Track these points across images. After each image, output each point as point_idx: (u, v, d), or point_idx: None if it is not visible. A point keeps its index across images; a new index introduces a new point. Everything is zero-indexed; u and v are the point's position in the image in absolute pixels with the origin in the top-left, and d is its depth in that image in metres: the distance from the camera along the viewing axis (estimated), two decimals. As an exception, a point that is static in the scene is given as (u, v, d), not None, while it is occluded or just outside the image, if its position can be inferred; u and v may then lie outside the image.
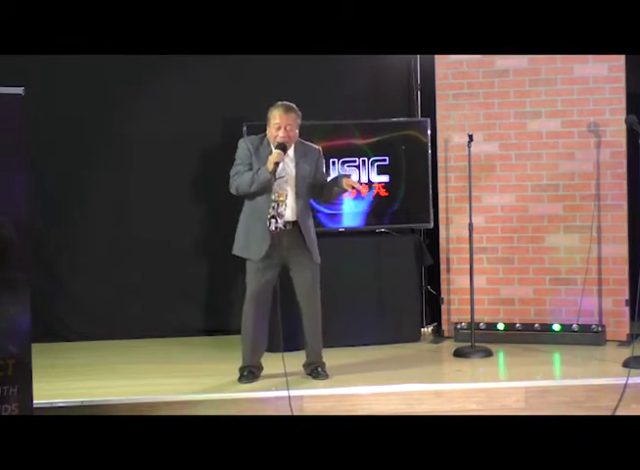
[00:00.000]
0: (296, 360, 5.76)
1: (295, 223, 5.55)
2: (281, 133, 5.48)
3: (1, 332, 4.60)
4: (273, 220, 5.40)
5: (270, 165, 5.38)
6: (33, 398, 4.73)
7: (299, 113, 5.58)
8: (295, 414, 5.16)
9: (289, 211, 5.49)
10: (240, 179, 5.53)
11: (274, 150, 5.45)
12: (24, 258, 4.71)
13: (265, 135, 5.62)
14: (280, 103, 5.57)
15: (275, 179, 5.41)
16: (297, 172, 5.57)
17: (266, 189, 5.47)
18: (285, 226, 5.45)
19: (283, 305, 5.55)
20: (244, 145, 5.63)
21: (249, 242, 5.60)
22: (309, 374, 5.76)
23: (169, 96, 7.17)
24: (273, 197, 5.43)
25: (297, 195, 5.57)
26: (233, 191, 5.59)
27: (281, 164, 5.43)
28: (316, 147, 5.74)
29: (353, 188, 5.58)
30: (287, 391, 5.23)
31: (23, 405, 4.65)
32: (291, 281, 5.69)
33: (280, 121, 5.49)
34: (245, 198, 5.63)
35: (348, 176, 5.73)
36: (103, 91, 7.12)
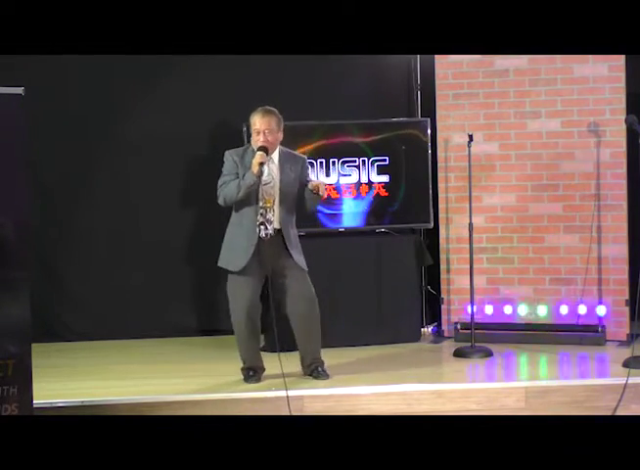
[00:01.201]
0: (295, 360, 5.76)
1: (278, 231, 5.56)
2: (261, 138, 5.52)
3: (1, 332, 4.60)
4: (262, 227, 5.48)
5: (255, 168, 5.39)
6: (33, 398, 4.73)
7: (280, 116, 5.60)
8: (293, 414, 5.15)
9: (275, 218, 5.53)
10: (226, 188, 5.55)
11: (256, 152, 5.46)
12: (24, 258, 4.71)
13: (249, 145, 5.66)
14: (260, 108, 5.61)
15: (261, 183, 5.43)
16: (281, 179, 5.58)
17: (253, 197, 5.48)
18: (274, 232, 5.50)
19: (276, 305, 5.55)
20: (229, 157, 5.64)
21: (231, 253, 5.61)
22: (310, 374, 5.74)
23: (169, 96, 7.17)
24: (260, 203, 5.48)
25: (282, 201, 5.57)
26: (221, 202, 5.60)
27: (266, 170, 5.46)
28: (301, 156, 5.78)
29: (320, 188, 5.51)
30: (286, 391, 5.22)
31: (23, 405, 4.65)
32: (282, 287, 5.64)
33: (259, 126, 5.54)
34: (232, 209, 5.64)
35: (317, 181, 5.67)
36: (103, 91, 7.12)
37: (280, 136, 5.62)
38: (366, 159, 6.87)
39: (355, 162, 6.86)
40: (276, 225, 5.55)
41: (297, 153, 5.80)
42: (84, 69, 6.95)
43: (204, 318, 7.37)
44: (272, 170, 5.56)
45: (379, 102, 7.31)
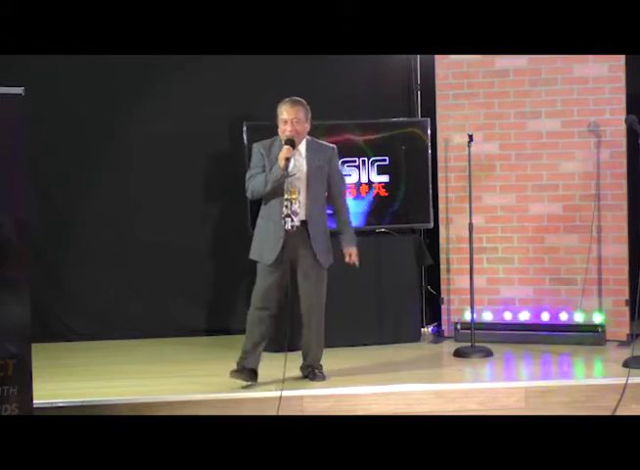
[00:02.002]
0: (296, 361, 5.76)
1: (304, 223, 5.51)
2: (288, 127, 5.47)
3: (1, 332, 4.61)
4: (288, 219, 5.40)
5: (281, 162, 5.36)
6: (33, 398, 4.73)
7: (308, 107, 5.56)
8: (280, 414, 5.13)
9: (301, 210, 5.48)
10: (254, 182, 5.51)
11: (283, 146, 5.42)
12: (24, 258, 4.71)
13: (277, 137, 5.60)
14: (287, 98, 5.56)
15: (287, 176, 5.39)
16: (307, 170, 5.53)
17: (280, 189, 5.44)
18: (300, 225, 5.45)
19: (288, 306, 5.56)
20: (256, 150, 5.61)
21: (262, 245, 5.57)
22: (306, 376, 5.73)
23: (170, 96, 7.17)
24: (286, 195, 5.41)
25: (308, 193, 5.52)
26: (249, 195, 5.59)
27: (292, 161, 5.41)
28: (330, 145, 5.71)
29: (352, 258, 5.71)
30: (287, 391, 5.22)
31: (23, 405, 4.65)
32: (296, 285, 5.61)
33: (287, 116, 5.49)
34: (261, 202, 5.62)
35: (353, 248, 5.74)
36: (103, 91, 7.12)
37: (308, 127, 5.57)
38: (366, 159, 6.88)
39: (355, 162, 6.86)
40: (302, 217, 5.48)
41: (325, 143, 5.71)
42: (85, 68, 6.95)
43: (204, 318, 7.36)
44: (298, 161, 5.50)
45: (379, 102, 7.31)
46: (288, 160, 5.36)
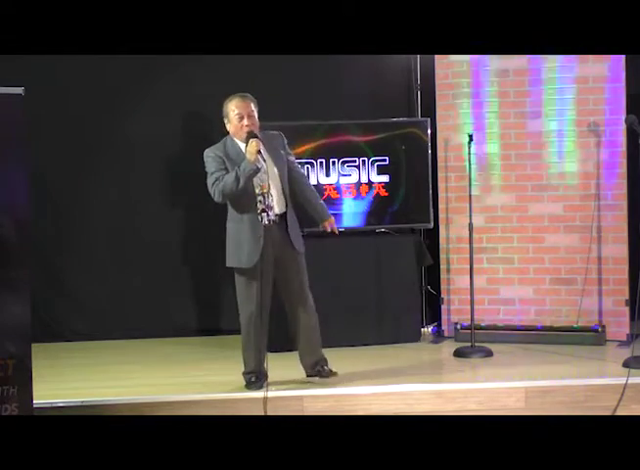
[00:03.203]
0: (286, 361, 5.73)
1: (281, 216, 5.42)
2: (245, 122, 5.38)
3: (1, 332, 4.61)
4: (264, 214, 5.32)
5: (252, 156, 5.25)
6: (33, 398, 4.73)
7: (254, 99, 5.47)
8: (269, 414, 5.11)
9: (275, 203, 5.39)
10: (224, 182, 5.34)
11: (250, 140, 5.29)
12: (24, 258, 4.71)
13: (226, 139, 5.49)
14: (233, 95, 5.46)
15: (259, 170, 5.28)
16: (269, 162, 5.39)
17: (248, 188, 5.32)
18: (277, 218, 5.37)
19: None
20: (213, 154, 5.44)
21: (240, 249, 5.42)
22: (316, 374, 5.58)
23: (169, 96, 7.17)
24: (257, 191, 5.33)
25: (276, 184, 5.40)
26: (217, 198, 5.39)
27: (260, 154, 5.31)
28: (277, 132, 5.60)
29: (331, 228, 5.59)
30: (287, 391, 5.22)
31: (23, 405, 4.65)
32: (283, 280, 5.51)
33: (241, 111, 5.40)
34: (228, 205, 5.48)
35: (331, 219, 5.64)
36: (103, 91, 7.13)
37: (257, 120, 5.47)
38: (366, 159, 6.87)
39: (355, 162, 6.86)
40: (277, 210, 5.39)
41: (272, 131, 5.59)
42: (84, 68, 6.95)
43: (203, 318, 7.37)
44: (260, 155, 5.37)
45: (379, 102, 7.31)
46: (259, 152, 5.26)
